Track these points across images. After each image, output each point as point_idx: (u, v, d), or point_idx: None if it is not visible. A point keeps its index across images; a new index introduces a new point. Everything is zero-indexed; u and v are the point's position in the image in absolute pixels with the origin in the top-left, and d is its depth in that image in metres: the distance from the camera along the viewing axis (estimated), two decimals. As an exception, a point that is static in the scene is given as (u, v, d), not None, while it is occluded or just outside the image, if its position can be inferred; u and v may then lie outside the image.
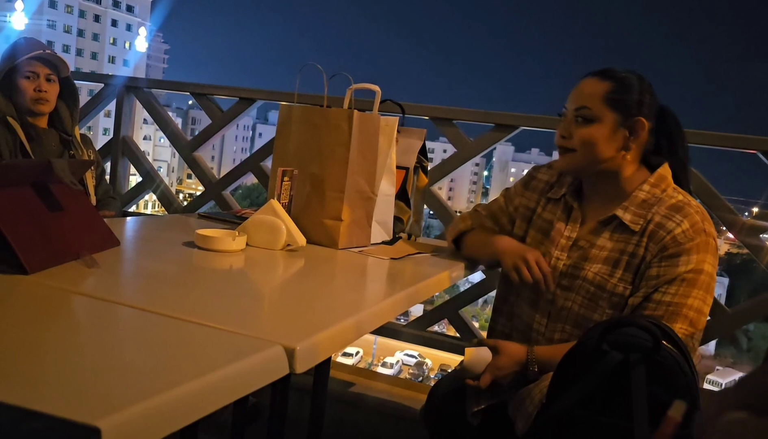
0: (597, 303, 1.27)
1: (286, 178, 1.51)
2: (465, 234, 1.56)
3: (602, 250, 1.29)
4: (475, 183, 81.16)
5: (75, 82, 2.16)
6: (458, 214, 2.29)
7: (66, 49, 55.17)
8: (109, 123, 3.12)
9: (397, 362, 27.31)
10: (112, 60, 61.19)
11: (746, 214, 2.53)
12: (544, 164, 1.52)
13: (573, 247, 1.34)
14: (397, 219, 1.75)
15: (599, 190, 1.34)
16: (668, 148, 1.35)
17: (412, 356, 26.93)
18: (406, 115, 2.00)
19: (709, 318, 1.26)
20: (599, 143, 1.27)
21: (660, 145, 1.34)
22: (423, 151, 1.84)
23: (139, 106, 2.85)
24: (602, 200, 1.33)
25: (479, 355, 1.30)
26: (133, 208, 2.93)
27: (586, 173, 1.33)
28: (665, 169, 1.31)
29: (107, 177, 2.41)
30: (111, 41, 61.03)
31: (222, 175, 2.67)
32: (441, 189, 2.44)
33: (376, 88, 1.70)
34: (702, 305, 1.20)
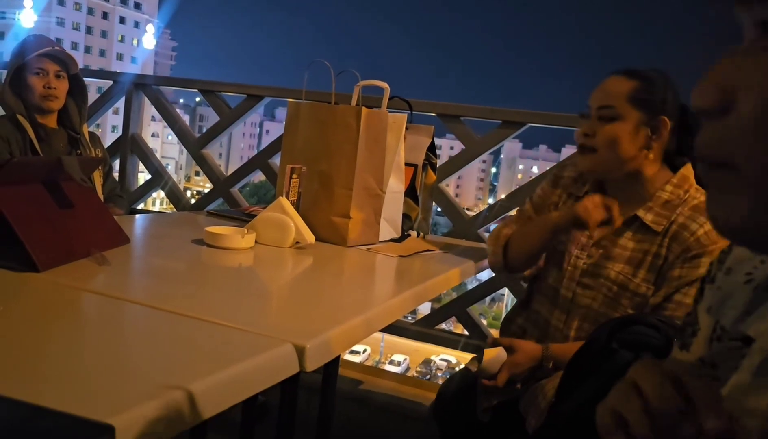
0: (619, 302, 1.27)
1: (294, 176, 1.51)
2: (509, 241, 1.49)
3: (624, 250, 1.29)
4: (482, 180, 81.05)
5: (84, 79, 2.17)
6: (467, 211, 2.28)
7: (74, 46, 55.42)
8: (118, 120, 3.13)
9: (405, 359, 27.30)
10: (120, 57, 61.43)
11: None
12: (569, 162, 1.51)
13: (594, 246, 1.33)
14: (405, 216, 1.75)
15: (622, 190, 1.33)
16: (691, 148, 1.33)
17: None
18: (413, 113, 2.00)
19: None
20: (621, 141, 1.26)
21: (682, 145, 1.32)
22: (431, 148, 1.83)
23: (147, 103, 2.86)
24: (624, 200, 1.32)
25: (495, 356, 1.30)
26: (141, 206, 2.94)
27: (610, 175, 1.32)
28: (687, 170, 1.30)
29: (115, 175, 2.42)
30: (119, 38, 61.28)
31: (230, 172, 2.67)
32: (448, 186, 2.43)
33: (384, 84, 1.70)
34: None
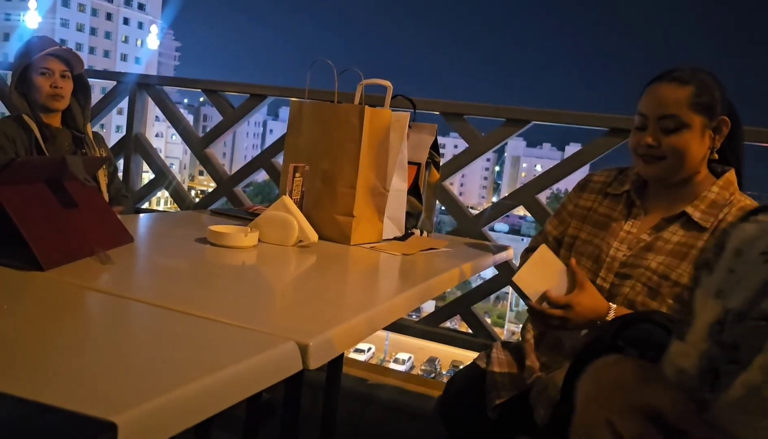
0: (658, 291, 1.26)
1: (297, 174, 1.51)
2: None
3: (668, 243, 1.29)
4: (486, 179, 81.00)
5: (87, 79, 2.17)
6: (471, 209, 2.28)
7: (78, 47, 55.57)
8: (122, 120, 3.15)
9: (409, 358, 27.32)
10: (124, 58, 61.61)
11: None
12: (600, 170, 1.52)
13: (634, 240, 1.33)
14: (408, 215, 1.75)
15: (668, 190, 1.34)
16: (730, 147, 1.33)
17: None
18: (417, 111, 2.00)
19: None
20: (691, 149, 1.27)
21: (723, 144, 1.32)
22: (434, 147, 1.83)
23: (151, 103, 2.87)
24: (669, 199, 1.33)
25: (548, 262, 1.27)
26: (145, 205, 2.95)
27: (673, 180, 1.32)
28: (732, 175, 1.32)
29: (120, 175, 2.43)
30: (123, 39, 61.46)
31: (233, 171, 2.68)
32: (452, 184, 2.43)
33: (387, 83, 1.70)
34: None
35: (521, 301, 1.47)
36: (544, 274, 1.30)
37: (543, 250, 1.32)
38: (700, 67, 1.29)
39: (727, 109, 1.30)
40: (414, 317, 2.38)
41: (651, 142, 1.28)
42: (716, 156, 1.30)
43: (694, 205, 1.29)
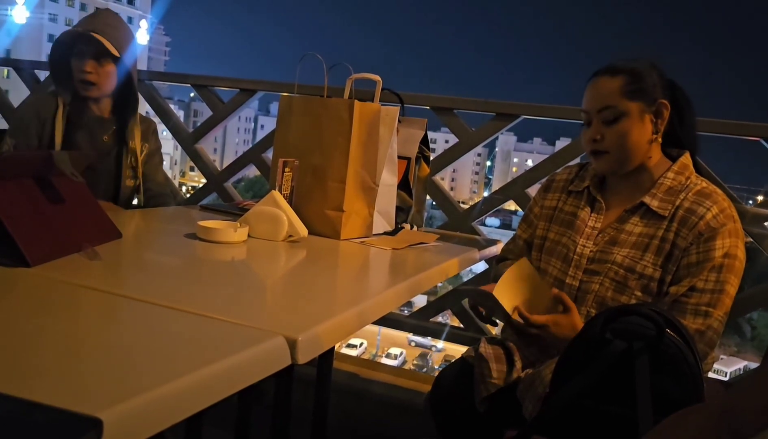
0: (626, 285, 1.28)
1: (287, 169, 1.51)
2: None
3: (630, 235, 1.31)
4: (477, 173, 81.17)
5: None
6: (461, 204, 2.29)
7: (67, 42, 54.99)
8: (111, 116, 3.10)
9: (401, 353, 27.37)
10: (113, 53, 61.10)
11: (750, 202, 2.52)
12: (561, 168, 1.56)
13: (599, 235, 1.35)
14: (399, 209, 1.75)
15: (625, 180, 1.36)
16: (682, 131, 1.36)
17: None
18: (407, 106, 1.99)
19: None
20: (633, 136, 1.29)
21: (672, 122, 1.34)
22: (424, 141, 1.83)
23: (141, 98, 2.84)
24: (627, 190, 1.36)
25: (526, 277, 1.27)
26: (136, 201, 2.93)
27: (625, 169, 1.34)
28: (686, 158, 1.35)
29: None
30: (112, 34, 60.90)
31: (224, 167, 2.66)
32: (443, 179, 2.43)
33: (376, 77, 1.69)
34: (734, 291, 1.24)
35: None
36: (520, 287, 1.29)
37: (523, 262, 1.32)
38: (638, 58, 1.34)
39: (669, 93, 1.32)
40: (405, 311, 2.38)
41: (595, 135, 1.32)
42: (660, 140, 1.32)
43: (651, 194, 1.31)
